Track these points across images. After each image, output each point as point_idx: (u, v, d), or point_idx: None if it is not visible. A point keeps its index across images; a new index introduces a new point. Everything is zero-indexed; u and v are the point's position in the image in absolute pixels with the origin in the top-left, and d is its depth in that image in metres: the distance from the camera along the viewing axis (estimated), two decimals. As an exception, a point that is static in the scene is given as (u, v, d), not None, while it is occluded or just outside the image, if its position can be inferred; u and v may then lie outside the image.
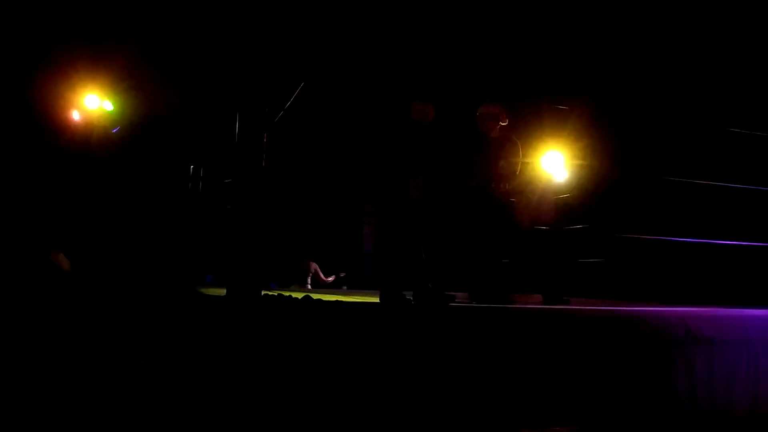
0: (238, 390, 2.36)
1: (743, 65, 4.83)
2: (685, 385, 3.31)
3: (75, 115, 5.87)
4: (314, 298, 2.79)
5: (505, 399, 2.84)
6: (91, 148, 5.95)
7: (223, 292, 2.80)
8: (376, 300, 3.50)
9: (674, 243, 4.35)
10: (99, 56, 5.35)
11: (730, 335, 3.49)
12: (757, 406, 3.51)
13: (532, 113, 5.48)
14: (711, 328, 3.43)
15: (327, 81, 4.94)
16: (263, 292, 2.73)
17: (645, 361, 3.20)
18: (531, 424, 2.81)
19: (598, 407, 3.03)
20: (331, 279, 5.84)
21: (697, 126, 4.81)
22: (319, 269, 5.78)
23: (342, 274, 5.94)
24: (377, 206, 3.73)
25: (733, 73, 4.87)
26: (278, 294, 2.84)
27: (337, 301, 2.84)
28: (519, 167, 4.47)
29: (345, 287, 5.75)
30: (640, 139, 4.90)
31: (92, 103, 5.83)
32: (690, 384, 3.33)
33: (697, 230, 4.42)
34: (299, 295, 2.85)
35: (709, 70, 4.94)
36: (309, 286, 5.57)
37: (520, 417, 2.83)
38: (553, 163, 5.88)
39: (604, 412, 3.04)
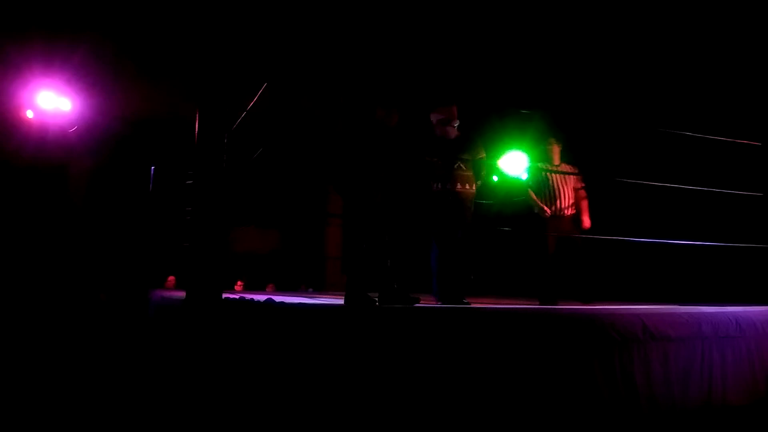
0: (196, 395, 2.31)
1: (685, 69, 5.01)
2: (642, 381, 3.40)
3: (29, 114, 5.67)
4: (277, 301, 2.76)
5: (469, 401, 2.86)
6: (46, 148, 5.75)
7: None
8: (341, 302, 3.49)
9: (630, 243, 4.47)
10: (54, 52, 5.18)
11: (684, 332, 3.60)
12: (711, 399, 3.63)
13: (494, 116, 5.57)
14: (667, 326, 3.54)
15: (291, 82, 4.90)
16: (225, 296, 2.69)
17: (604, 359, 3.27)
18: (495, 425, 2.84)
19: (558, 404, 3.08)
20: None
21: (649, 128, 4.96)
22: None
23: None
24: (342, 208, 3.73)
25: (684, 77, 5.04)
26: (240, 297, 2.79)
27: (300, 303, 2.82)
28: (482, 168, 4.53)
29: (310, 290, 5.71)
30: (595, 141, 5.02)
31: (47, 102, 5.64)
32: (647, 380, 3.42)
33: (652, 231, 4.55)
34: (261, 299, 2.82)
35: (654, 75, 5.11)
36: None
37: (484, 418, 2.86)
38: (515, 165, 5.99)
39: (564, 409, 3.09)
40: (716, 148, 4.50)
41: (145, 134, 6.02)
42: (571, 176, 4.78)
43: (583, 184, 4.80)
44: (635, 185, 4.41)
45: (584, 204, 4.80)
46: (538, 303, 4.48)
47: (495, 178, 6.05)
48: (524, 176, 6.11)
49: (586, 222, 4.78)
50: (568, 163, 4.90)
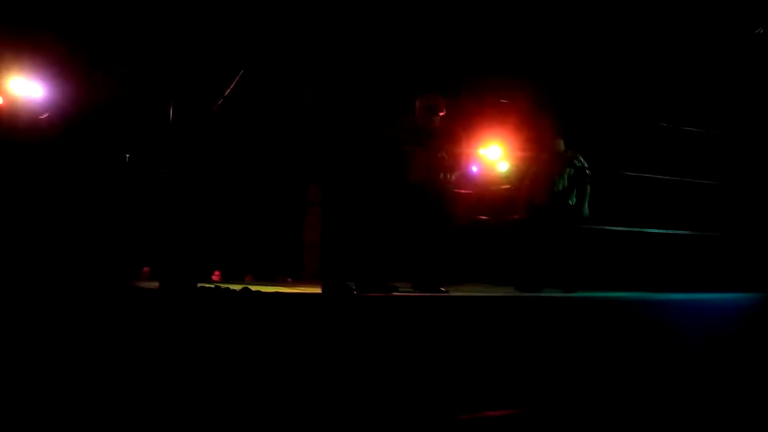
0: (169, 388, 2.29)
1: (672, 63, 5.08)
2: (614, 366, 3.48)
3: (-2, 100, 5.51)
4: (253, 289, 2.75)
5: (445, 385, 2.89)
6: (16, 135, 5.61)
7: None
8: (319, 291, 3.49)
9: (600, 231, 4.55)
10: (22, 37, 5.04)
11: (656, 319, 3.69)
12: (672, 384, 3.73)
13: (474, 105, 5.58)
14: (638, 313, 3.63)
15: (269, 69, 4.85)
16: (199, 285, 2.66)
17: (578, 345, 3.33)
18: (471, 408, 2.88)
19: (533, 390, 3.13)
20: None
21: (626, 119, 5.03)
22: None
23: None
24: (321, 196, 3.72)
25: (662, 71, 5.11)
26: (215, 286, 2.78)
27: (276, 292, 2.81)
28: (462, 158, 4.55)
29: (289, 279, 5.69)
30: (574, 132, 5.07)
31: (18, 87, 5.49)
32: (615, 365, 3.50)
33: (623, 219, 4.64)
34: (238, 287, 2.80)
35: (639, 67, 5.16)
36: None
37: (460, 402, 2.89)
38: (495, 155, 6.03)
39: (541, 394, 3.14)
40: (679, 138, 4.57)
41: (120, 121, 5.90)
42: (569, 166, 4.79)
43: (586, 173, 4.79)
44: (613, 175, 4.47)
45: (583, 193, 4.82)
46: (516, 290, 4.53)
47: (475, 168, 6.07)
48: (504, 166, 6.16)
49: (584, 211, 4.80)
50: (573, 152, 4.88)
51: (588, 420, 3.12)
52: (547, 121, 5.07)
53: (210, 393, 2.35)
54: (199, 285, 2.73)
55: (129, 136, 5.68)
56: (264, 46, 4.49)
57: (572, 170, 4.83)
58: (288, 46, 4.83)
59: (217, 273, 5.51)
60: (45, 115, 5.63)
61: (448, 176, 4.41)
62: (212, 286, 2.87)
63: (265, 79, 4.99)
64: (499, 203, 6.09)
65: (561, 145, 4.93)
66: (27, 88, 5.50)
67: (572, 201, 4.84)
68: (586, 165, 4.82)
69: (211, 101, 3.14)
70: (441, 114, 4.37)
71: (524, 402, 3.05)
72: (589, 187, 4.85)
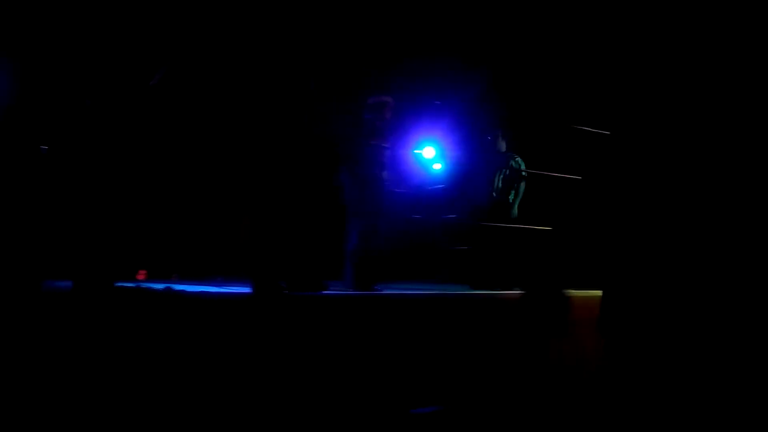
0: (82, 396, 2.17)
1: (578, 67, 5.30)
2: (541, 362, 3.59)
3: None
4: (176, 289, 2.64)
5: (373, 385, 2.89)
6: None
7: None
8: (249, 290, 3.40)
9: (533, 231, 4.69)
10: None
11: (580, 315, 3.84)
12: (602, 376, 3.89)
13: (408, 106, 5.63)
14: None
15: (199, 63, 4.69)
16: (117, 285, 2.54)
17: (504, 341, 3.42)
18: (398, 406, 2.89)
19: (460, 387, 3.19)
20: None
21: (547, 123, 5.21)
22: None
23: None
24: (249, 194, 3.63)
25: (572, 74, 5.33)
26: (136, 286, 2.65)
27: (201, 292, 2.72)
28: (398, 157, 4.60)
29: (219, 278, 5.52)
30: (502, 133, 5.20)
31: None
32: (545, 360, 3.62)
33: (549, 219, 4.81)
34: (160, 287, 2.69)
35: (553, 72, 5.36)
36: None
37: (388, 401, 2.90)
38: (429, 155, 6.10)
39: (467, 390, 3.20)
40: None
41: (37, 113, 5.51)
42: (506, 167, 4.93)
43: (522, 175, 4.93)
44: (540, 176, 4.61)
45: (516, 193, 4.97)
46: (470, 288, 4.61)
47: (438, 166, 6.10)
48: (438, 165, 6.24)
49: (513, 212, 4.95)
50: (512, 153, 5.03)
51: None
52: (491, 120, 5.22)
53: (124, 398, 2.24)
54: (118, 285, 2.61)
55: (47, 127, 5.32)
56: (192, 39, 4.34)
57: (507, 171, 4.97)
58: (221, 41, 4.69)
59: (142, 272, 5.27)
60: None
61: (384, 173, 4.43)
62: (132, 285, 2.74)
63: (196, 72, 4.82)
64: (435, 202, 6.17)
65: (503, 146, 5.08)
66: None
67: (510, 197, 4.99)
68: (523, 167, 4.98)
69: (132, 93, 3.00)
70: (390, 113, 4.41)
71: (448, 398, 3.09)
72: (523, 189, 5.00)
